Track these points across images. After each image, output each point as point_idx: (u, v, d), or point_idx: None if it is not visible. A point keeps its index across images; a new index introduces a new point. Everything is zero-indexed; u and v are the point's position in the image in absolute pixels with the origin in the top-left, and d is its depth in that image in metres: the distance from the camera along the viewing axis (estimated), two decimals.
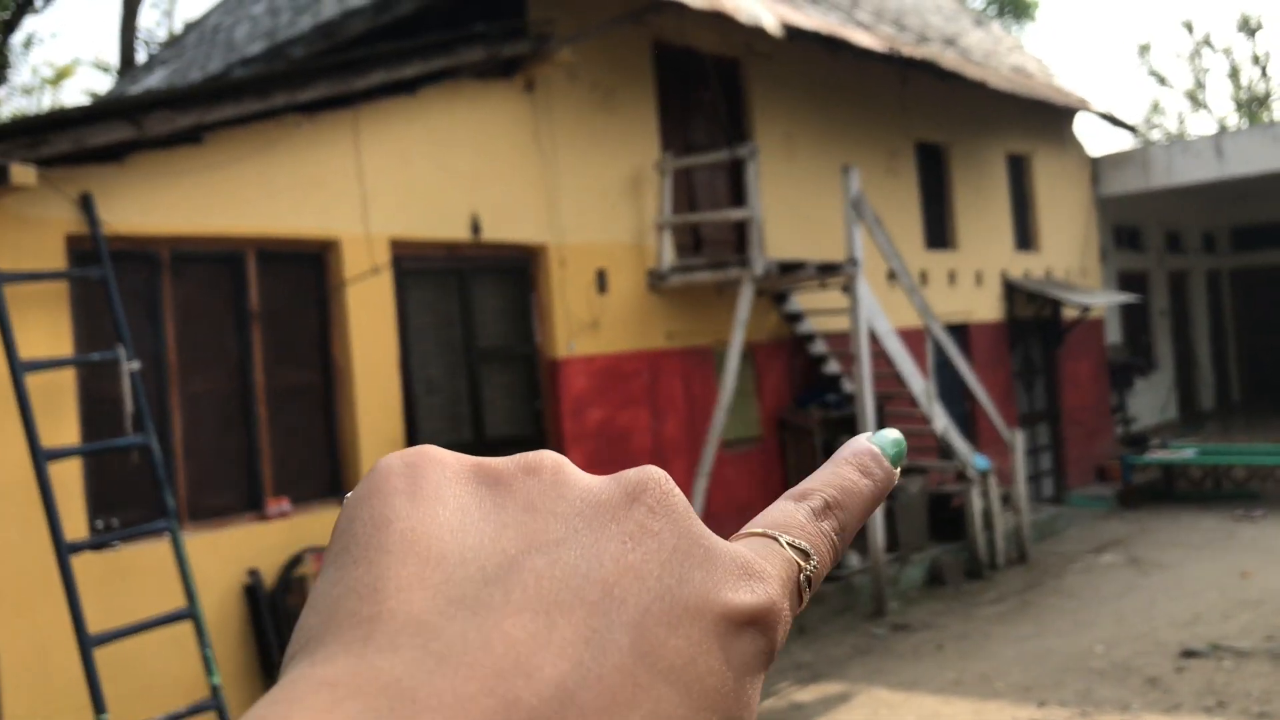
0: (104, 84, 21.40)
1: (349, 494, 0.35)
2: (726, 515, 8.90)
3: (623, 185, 8.52)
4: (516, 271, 7.96)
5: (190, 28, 11.71)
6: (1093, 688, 6.63)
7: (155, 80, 10.02)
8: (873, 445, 0.42)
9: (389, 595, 0.30)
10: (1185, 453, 13.31)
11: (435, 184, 7.29)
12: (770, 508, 0.39)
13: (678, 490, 0.34)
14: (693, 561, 0.32)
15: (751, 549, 0.35)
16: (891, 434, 0.43)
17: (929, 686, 6.89)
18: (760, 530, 0.37)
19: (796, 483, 0.41)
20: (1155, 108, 30.24)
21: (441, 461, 0.35)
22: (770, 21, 8.47)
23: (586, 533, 0.32)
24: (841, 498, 0.39)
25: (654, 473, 0.34)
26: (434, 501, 0.33)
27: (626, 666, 0.29)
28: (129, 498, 5.90)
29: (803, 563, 0.36)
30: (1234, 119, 28.85)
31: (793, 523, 0.38)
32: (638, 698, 0.29)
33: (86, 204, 5.74)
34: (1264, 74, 28.54)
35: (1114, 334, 15.68)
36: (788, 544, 0.36)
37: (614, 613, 0.30)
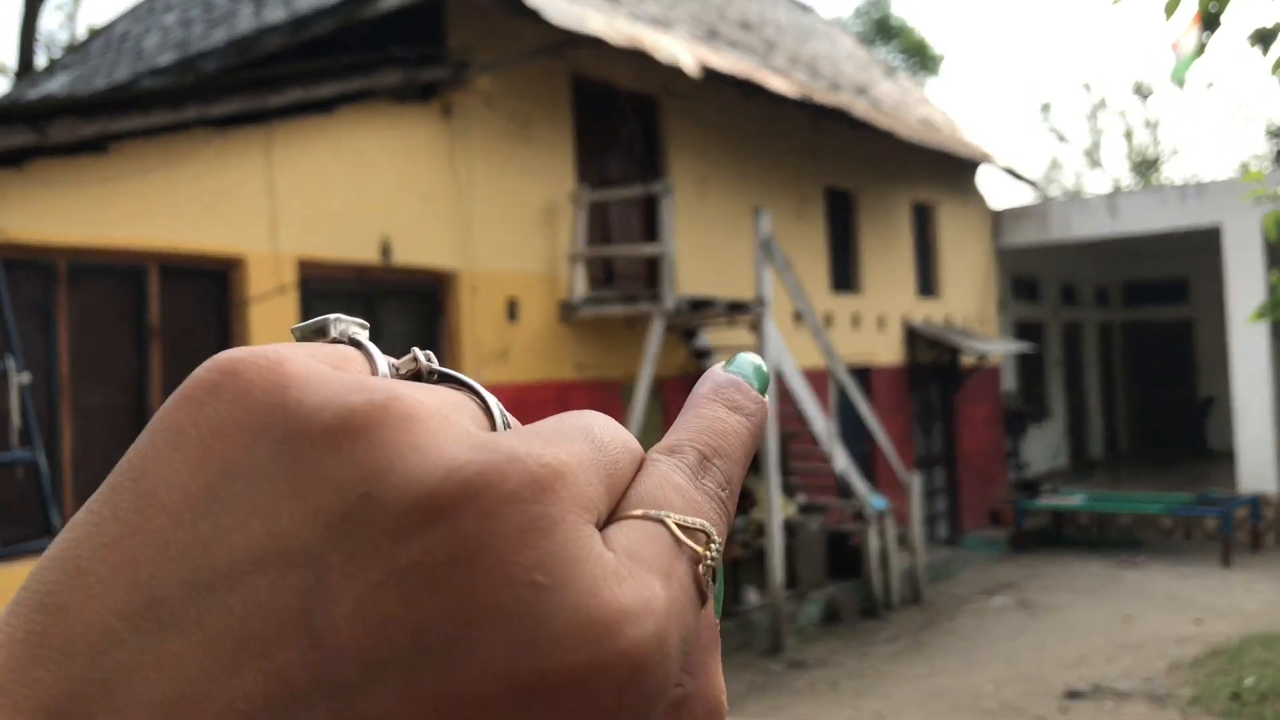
0: None
1: None
2: None
3: (537, 215, 8.54)
4: (426, 297, 7.90)
5: (96, 34, 11.40)
6: None
7: (56, 85, 9.72)
8: (733, 375, 0.33)
9: (90, 583, 0.24)
10: (1075, 500, 13.74)
11: (347, 205, 7.21)
12: (640, 474, 0.28)
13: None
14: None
15: (631, 543, 0.26)
16: (752, 359, 0.34)
17: None
18: (641, 513, 0.27)
19: None
20: (1054, 164, 31.38)
21: (248, 391, 0.26)
22: (688, 61, 8.60)
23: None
24: (719, 444, 0.30)
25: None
26: (199, 456, 0.26)
27: None
28: (11, 515, 5.66)
29: (701, 549, 0.27)
30: (1127, 179, 30.15)
31: (670, 489, 0.28)
32: None
33: None
34: (1155, 138, 29.92)
35: (1010, 382, 16.16)
36: (677, 526, 0.27)
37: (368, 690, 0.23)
